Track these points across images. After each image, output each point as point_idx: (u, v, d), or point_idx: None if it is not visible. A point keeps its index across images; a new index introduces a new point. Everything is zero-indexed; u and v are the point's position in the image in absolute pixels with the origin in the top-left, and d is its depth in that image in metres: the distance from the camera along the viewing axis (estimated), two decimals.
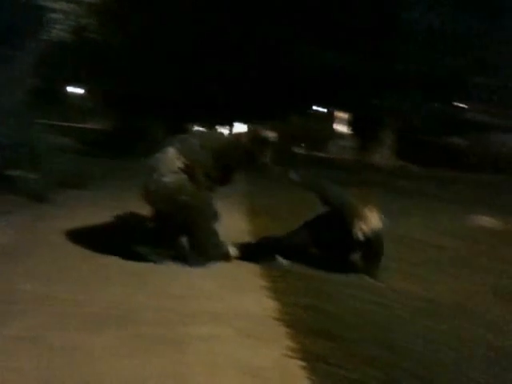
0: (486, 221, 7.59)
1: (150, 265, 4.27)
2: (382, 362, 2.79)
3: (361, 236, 4.39)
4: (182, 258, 4.39)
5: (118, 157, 12.29)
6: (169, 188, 4.24)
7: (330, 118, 28.38)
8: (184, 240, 4.46)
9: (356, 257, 4.59)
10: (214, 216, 4.53)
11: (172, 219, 4.37)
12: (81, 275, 3.90)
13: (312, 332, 3.11)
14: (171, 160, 4.30)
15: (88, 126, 22.15)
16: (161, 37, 15.88)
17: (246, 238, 5.38)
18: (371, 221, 4.42)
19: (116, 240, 4.83)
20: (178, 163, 4.28)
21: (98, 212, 6.10)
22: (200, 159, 4.36)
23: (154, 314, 3.24)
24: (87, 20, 15.28)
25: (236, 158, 4.55)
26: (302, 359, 2.73)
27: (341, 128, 27.59)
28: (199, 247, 4.42)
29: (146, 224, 4.89)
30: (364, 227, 4.39)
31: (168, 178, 4.24)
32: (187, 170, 4.28)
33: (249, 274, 4.31)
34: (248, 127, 19.95)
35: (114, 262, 4.28)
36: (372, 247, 4.47)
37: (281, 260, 4.62)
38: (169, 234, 4.49)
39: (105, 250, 4.52)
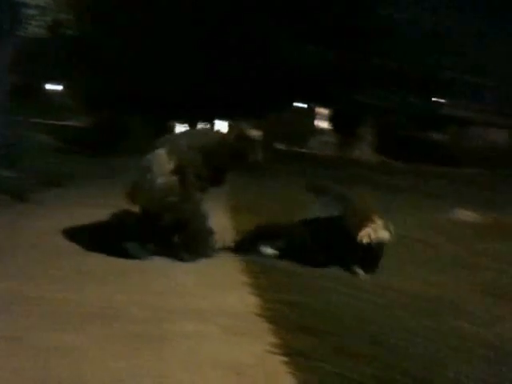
0: (466, 215, 7.69)
1: (134, 262, 4.26)
2: (365, 356, 2.80)
3: (366, 242, 4.45)
4: (170, 254, 4.40)
5: (99, 155, 12.19)
6: (160, 190, 4.30)
7: (311, 114, 28.46)
8: (174, 238, 4.46)
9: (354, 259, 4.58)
10: (204, 216, 4.58)
11: (162, 219, 4.41)
12: (64, 274, 3.86)
13: (295, 328, 3.11)
14: (161, 162, 4.35)
15: (68, 123, 21.89)
16: (140, 32, 15.75)
17: (231, 236, 5.40)
18: (377, 228, 4.48)
19: (99, 238, 4.79)
20: (168, 165, 4.33)
21: (80, 210, 6.06)
22: (189, 160, 4.41)
23: (138, 312, 3.22)
24: (64, 15, 15.10)
25: (225, 158, 4.58)
26: (284, 355, 2.73)
27: (322, 124, 27.69)
28: (189, 245, 4.45)
29: (131, 221, 4.90)
30: (370, 234, 4.45)
31: (159, 180, 4.30)
32: (177, 171, 4.33)
33: (232, 271, 4.31)
34: (229, 124, 19.92)
35: (97, 260, 4.26)
36: (373, 253, 4.52)
37: (265, 249, 4.64)
38: (158, 232, 4.50)
39: (88, 248, 4.50)
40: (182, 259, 4.39)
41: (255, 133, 4.64)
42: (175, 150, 4.42)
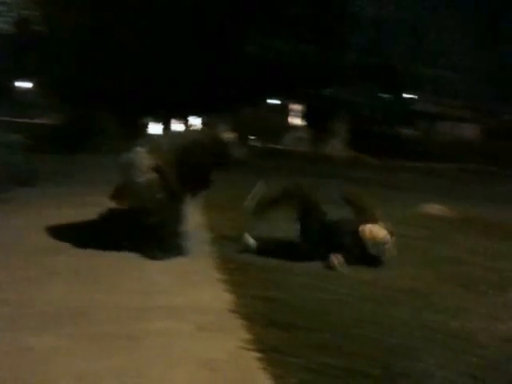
0: (436, 209, 7.83)
1: (105, 261, 4.24)
2: (338, 350, 2.85)
3: (372, 249, 4.65)
4: (144, 252, 4.38)
5: (69, 152, 12.02)
6: (141, 186, 4.37)
7: (284, 111, 28.54)
8: (150, 235, 4.46)
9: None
10: (181, 214, 4.62)
11: (141, 215, 4.43)
12: (32, 274, 3.82)
13: (268, 323, 3.14)
14: (142, 159, 4.43)
15: (37, 121, 21.49)
16: (109, 28, 15.56)
17: (206, 233, 5.42)
18: (381, 235, 4.68)
19: (70, 237, 4.74)
20: (149, 162, 4.40)
21: (49, 209, 5.99)
22: (168, 159, 4.47)
23: (110, 311, 3.21)
24: (31, 12, 14.82)
25: (200, 158, 4.62)
26: (257, 350, 2.76)
27: (295, 120, 27.78)
28: (163, 243, 4.46)
29: (105, 219, 4.89)
30: (376, 241, 4.66)
31: (140, 176, 4.37)
32: (157, 169, 4.40)
33: (206, 268, 4.32)
34: (202, 121, 19.85)
35: (66, 259, 4.22)
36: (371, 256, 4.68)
37: (248, 239, 4.68)
38: (133, 229, 4.50)
39: (56, 248, 4.45)
40: (154, 257, 4.38)
41: (228, 134, 4.71)
42: (155, 148, 4.54)
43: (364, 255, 4.69)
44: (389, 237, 4.73)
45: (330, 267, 4.49)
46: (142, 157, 4.46)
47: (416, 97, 21.17)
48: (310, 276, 4.22)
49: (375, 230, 4.74)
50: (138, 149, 4.54)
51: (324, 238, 4.73)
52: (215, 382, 2.47)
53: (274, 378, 2.50)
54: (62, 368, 2.46)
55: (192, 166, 4.55)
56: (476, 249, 5.79)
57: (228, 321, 3.21)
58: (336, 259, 4.53)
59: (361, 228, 4.76)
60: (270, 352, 2.75)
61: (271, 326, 3.10)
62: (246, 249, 4.80)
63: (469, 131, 22.47)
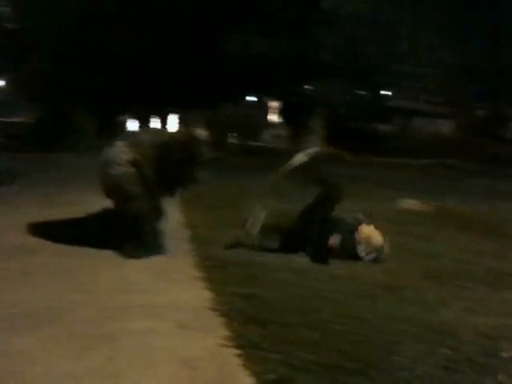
0: (412, 204, 7.93)
1: (83, 260, 4.21)
2: (317, 345, 2.88)
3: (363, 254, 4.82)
4: (121, 250, 4.36)
5: (45, 151, 11.86)
6: (114, 179, 4.38)
7: (263, 108, 28.57)
8: (127, 232, 4.44)
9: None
10: (158, 211, 4.62)
11: (118, 210, 4.48)
12: (10, 274, 3.78)
13: (248, 320, 3.15)
14: (119, 153, 4.45)
15: (11, 119, 21.15)
16: (83, 25, 15.36)
17: (185, 230, 5.42)
18: (374, 243, 4.88)
19: (46, 236, 4.70)
20: (126, 156, 4.41)
21: (26, 208, 5.93)
22: (146, 154, 4.48)
23: (87, 311, 3.19)
24: (3, 8, 14.55)
25: (176, 154, 4.63)
26: (237, 347, 2.78)
27: (274, 117, 27.83)
28: (135, 237, 4.42)
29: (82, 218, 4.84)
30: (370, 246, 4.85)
31: (117, 169, 4.39)
32: (135, 163, 4.41)
33: (185, 266, 4.31)
34: (179, 119, 19.77)
35: (44, 258, 4.18)
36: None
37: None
38: (111, 226, 4.49)
39: (34, 247, 4.41)
40: (133, 256, 4.36)
41: (201, 132, 4.75)
42: (134, 143, 4.56)
43: (352, 255, 4.82)
44: (381, 246, 4.88)
45: (329, 248, 4.67)
46: (120, 151, 4.48)
47: (391, 93, 21.38)
48: (290, 272, 4.26)
49: (373, 235, 4.91)
50: (118, 143, 4.57)
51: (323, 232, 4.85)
52: (195, 380, 2.47)
53: (253, 374, 2.51)
54: (41, 369, 2.44)
55: (170, 163, 4.56)
56: (452, 243, 5.89)
57: (207, 318, 3.21)
58: (334, 240, 4.71)
59: (359, 228, 4.92)
60: (249, 349, 2.77)
61: (250, 322, 3.11)
62: (248, 236, 4.94)
63: (445, 127, 22.79)
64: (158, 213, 4.65)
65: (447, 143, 20.33)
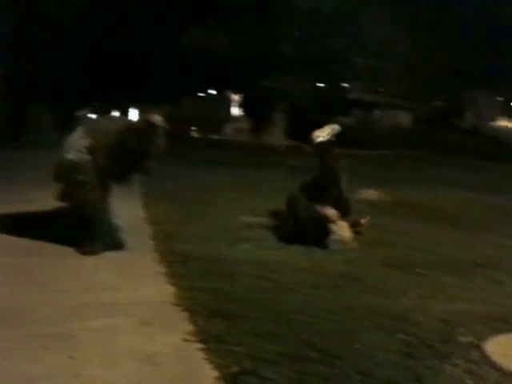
0: (371, 194, 8.05)
1: (43, 259, 4.12)
2: (279, 336, 2.91)
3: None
4: (80, 245, 4.29)
5: (1, 149, 11.51)
6: (68, 165, 4.29)
7: (226, 101, 28.49)
8: (80, 225, 4.35)
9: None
10: (107, 202, 4.52)
11: (69, 199, 4.37)
12: None
13: (211, 314, 3.16)
14: (77, 138, 4.38)
15: None
16: (40, 18, 14.96)
17: (148, 226, 5.36)
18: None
19: (5, 235, 4.58)
20: (84, 142, 4.34)
21: None
22: (103, 140, 4.40)
23: (48, 310, 3.13)
24: None
25: (133, 142, 4.54)
26: (200, 342, 2.78)
27: (236, 111, 27.80)
28: (92, 233, 4.34)
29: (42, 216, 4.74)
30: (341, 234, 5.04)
31: (70, 156, 4.30)
32: (91, 150, 4.33)
33: (147, 262, 4.27)
34: (140, 112, 19.52)
35: (3, 258, 4.07)
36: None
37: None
38: (70, 224, 4.40)
39: None
40: (91, 252, 4.27)
41: (159, 119, 4.66)
42: (93, 129, 4.49)
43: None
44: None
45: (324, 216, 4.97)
46: (79, 136, 4.40)
47: (349, 85, 21.65)
48: (253, 265, 4.27)
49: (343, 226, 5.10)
50: (78, 128, 4.49)
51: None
52: (158, 377, 2.46)
53: (217, 367, 2.53)
54: None
55: (127, 150, 4.47)
56: (411, 232, 6.01)
57: (170, 314, 3.20)
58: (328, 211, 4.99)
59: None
60: (212, 342, 2.77)
61: (214, 316, 3.12)
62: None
63: (402, 119, 23.25)
64: (107, 203, 4.55)
65: (405, 134, 20.75)
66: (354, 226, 5.44)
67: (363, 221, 5.50)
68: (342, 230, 5.09)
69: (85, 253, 4.27)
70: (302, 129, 17.93)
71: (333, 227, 5.04)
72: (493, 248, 5.44)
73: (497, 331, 3.16)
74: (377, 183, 8.61)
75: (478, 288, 4.08)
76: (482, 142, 19.78)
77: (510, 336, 3.06)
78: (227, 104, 28.05)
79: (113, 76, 17.65)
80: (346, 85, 21.78)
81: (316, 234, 5.02)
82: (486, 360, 2.82)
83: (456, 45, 16.64)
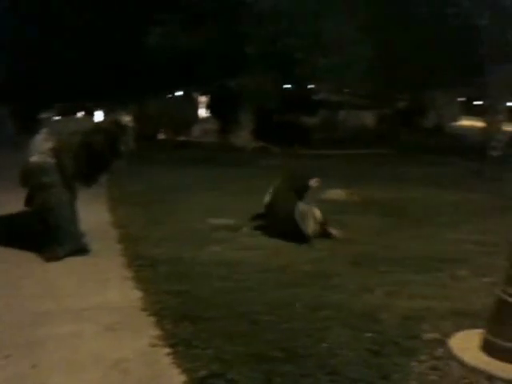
0: (339, 193, 8.12)
1: (6, 264, 4.03)
2: (246, 337, 2.92)
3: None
4: (43, 250, 4.20)
5: None
6: (32, 168, 4.26)
7: (192, 102, 28.34)
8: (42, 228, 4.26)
9: None
10: (72, 205, 4.46)
11: (32, 202, 4.33)
12: None
13: (178, 317, 3.14)
14: (41, 141, 4.37)
15: None
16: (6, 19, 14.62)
17: (111, 229, 5.29)
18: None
19: None
20: (48, 144, 4.32)
21: None
22: (68, 142, 4.39)
23: (11, 318, 3.08)
24: None
25: (100, 142, 4.48)
26: (168, 346, 2.76)
27: (203, 112, 27.67)
28: (55, 237, 4.25)
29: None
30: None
31: (34, 158, 4.27)
32: (55, 151, 4.30)
33: (113, 266, 4.22)
34: (105, 114, 19.26)
35: None
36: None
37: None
38: (33, 228, 4.32)
39: None
40: (54, 257, 4.19)
41: (127, 119, 4.62)
42: (57, 131, 4.51)
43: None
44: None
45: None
46: (43, 138, 4.38)
47: (314, 86, 21.79)
48: (218, 266, 4.26)
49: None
50: (43, 130, 4.49)
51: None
52: (125, 383, 2.43)
53: (184, 372, 2.51)
54: None
55: (93, 151, 4.42)
56: (376, 230, 6.08)
57: (137, 319, 3.17)
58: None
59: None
60: (181, 346, 2.76)
61: (181, 320, 3.10)
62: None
63: (367, 118, 23.56)
64: (71, 206, 4.48)
65: (370, 134, 21.02)
66: (324, 227, 5.58)
67: (334, 232, 5.64)
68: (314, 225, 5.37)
69: (48, 258, 4.20)
70: (268, 130, 18.04)
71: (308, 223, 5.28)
72: (456, 244, 5.55)
73: (460, 327, 3.22)
74: (343, 182, 8.69)
75: (442, 285, 4.16)
76: (445, 140, 20.15)
77: (474, 332, 3.12)
78: (194, 105, 27.91)
79: (77, 77, 17.36)
80: (311, 86, 21.93)
81: (292, 230, 5.20)
82: (451, 356, 2.87)
83: (417, 44, 16.90)
